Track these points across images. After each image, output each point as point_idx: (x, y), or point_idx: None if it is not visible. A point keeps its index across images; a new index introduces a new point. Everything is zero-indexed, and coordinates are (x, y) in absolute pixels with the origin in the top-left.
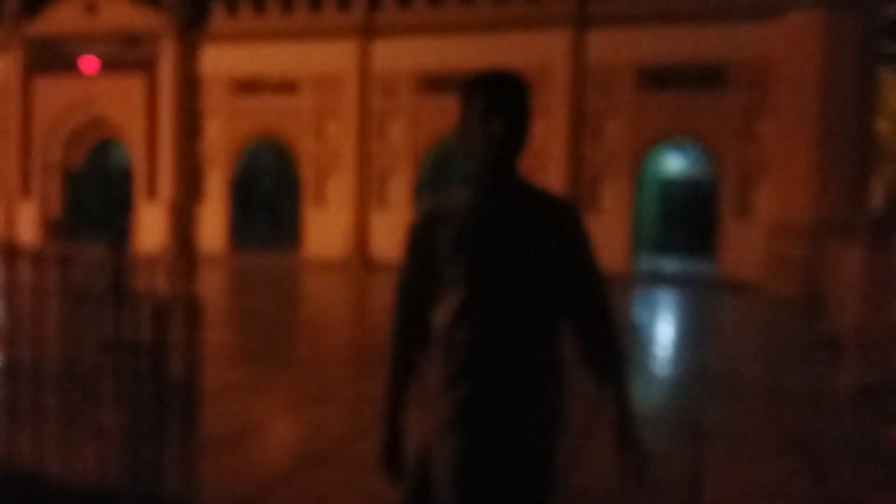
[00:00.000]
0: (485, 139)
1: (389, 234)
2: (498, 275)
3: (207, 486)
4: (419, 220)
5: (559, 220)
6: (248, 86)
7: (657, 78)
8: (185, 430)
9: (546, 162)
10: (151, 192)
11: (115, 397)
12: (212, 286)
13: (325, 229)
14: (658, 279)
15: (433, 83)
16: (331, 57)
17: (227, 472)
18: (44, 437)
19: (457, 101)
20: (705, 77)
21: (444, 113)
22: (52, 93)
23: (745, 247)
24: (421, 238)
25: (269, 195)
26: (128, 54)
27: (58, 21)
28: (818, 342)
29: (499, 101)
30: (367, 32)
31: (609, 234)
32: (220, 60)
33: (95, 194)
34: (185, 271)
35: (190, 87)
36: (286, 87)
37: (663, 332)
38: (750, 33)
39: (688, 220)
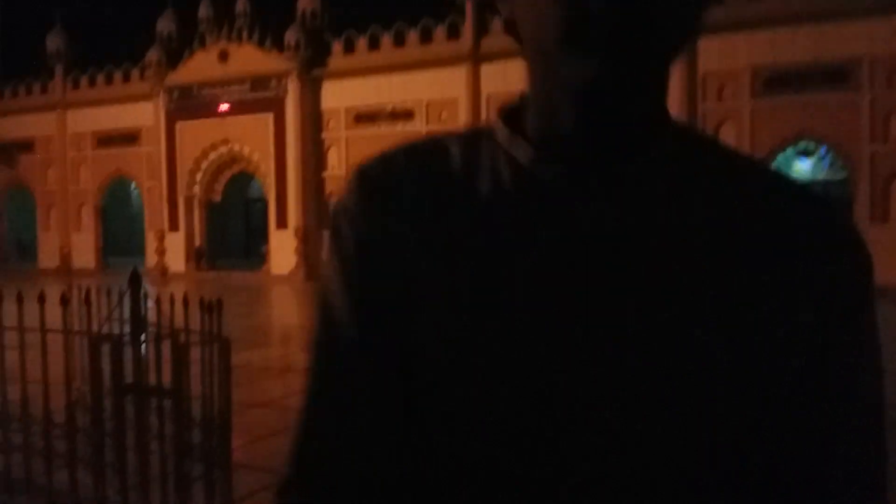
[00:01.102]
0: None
1: None
2: (617, 395)
3: None
4: (364, 202)
5: (803, 255)
6: (364, 116)
7: (777, 81)
8: None
9: None
10: (281, 219)
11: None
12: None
13: None
14: None
15: None
16: (442, 84)
17: None
18: None
19: None
20: (831, 77)
21: None
22: (193, 134)
23: (880, 251)
24: (372, 256)
25: None
26: (257, 95)
27: (195, 69)
28: None
29: None
30: (476, 58)
31: None
32: (339, 94)
33: (234, 224)
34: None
35: (313, 120)
36: (401, 114)
37: None
38: (881, 29)
39: None
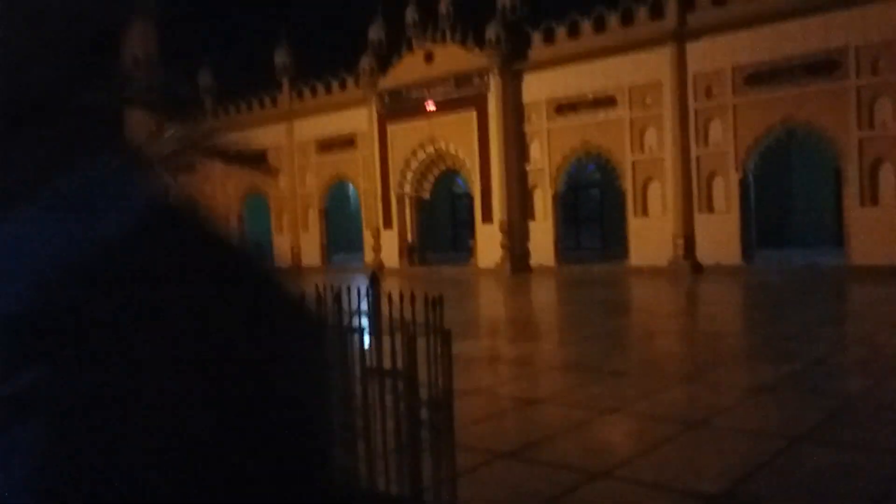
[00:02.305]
0: None
1: (715, 238)
2: None
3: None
4: None
5: None
6: (566, 106)
7: (764, 76)
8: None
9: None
10: (486, 214)
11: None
12: (539, 297)
13: (649, 237)
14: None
15: (753, 77)
16: (645, 66)
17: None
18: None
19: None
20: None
21: (767, 107)
22: (402, 135)
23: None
24: None
25: (596, 208)
26: (461, 93)
27: (403, 72)
28: None
29: None
30: (681, 36)
31: None
32: (539, 86)
33: (442, 219)
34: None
35: (515, 114)
36: (603, 101)
37: None
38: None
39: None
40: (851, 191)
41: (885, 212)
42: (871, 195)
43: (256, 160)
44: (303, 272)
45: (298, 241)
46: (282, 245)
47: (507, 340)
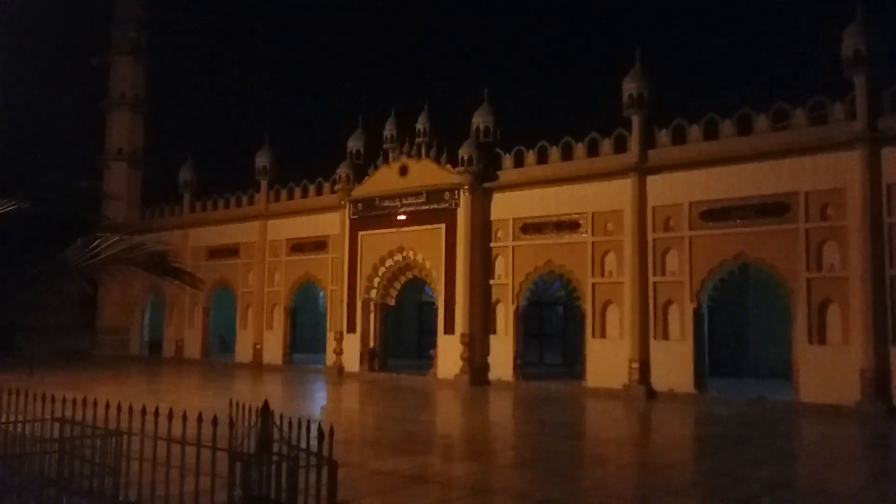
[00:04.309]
0: None
1: (669, 365)
2: None
3: None
4: None
5: None
6: (532, 226)
7: (719, 213)
8: None
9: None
10: (449, 325)
11: None
12: (490, 414)
13: (606, 359)
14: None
15: (708, 213)
16: (608, 195)
17: None
18: None
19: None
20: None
21: (721, 242)
22: (373, 242)
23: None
24: None
25: (560, 325)
26: (431, 207)
27: (378, 182)
28: None
29: None
30: (642, 170)
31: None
32: (507, 205)
33: (408, 326)
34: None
35: (482, 230)
36: (567, 224)
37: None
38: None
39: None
40: (800, 329)
41: (833, 351)
42: (819, 334)
43: (180, 271)
44: (263, 370)
45: (261, 338)
46: (245, 340)
47: (442, 458)
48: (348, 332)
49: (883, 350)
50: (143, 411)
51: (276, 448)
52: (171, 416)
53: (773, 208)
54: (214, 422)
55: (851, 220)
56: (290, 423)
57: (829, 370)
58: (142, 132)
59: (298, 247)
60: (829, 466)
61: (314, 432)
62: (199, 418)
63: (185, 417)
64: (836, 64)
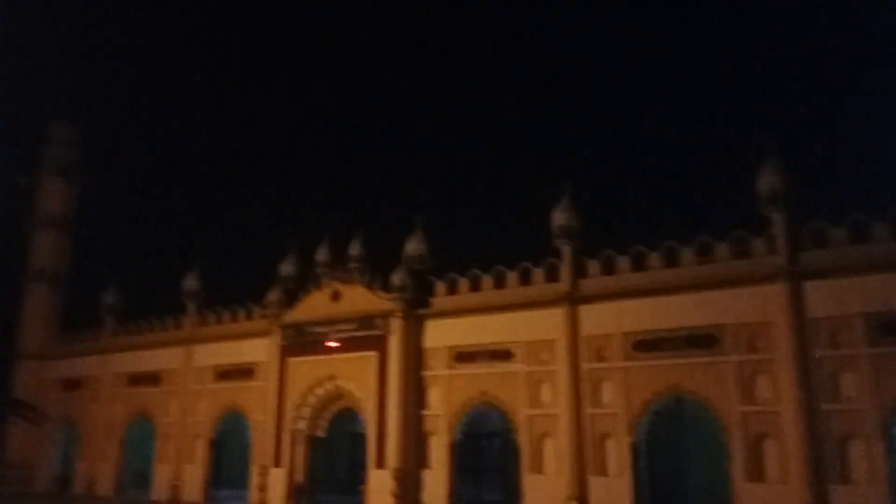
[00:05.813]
0: None
1: (610, 502)
2: None
3: None
4: None
5: None
6: (465, 354)
7: (649, 344)
8: None
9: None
10: (381, 459)
11: None
12: None
13: (544, 496)
14: None
15: (641, 344)
16: (541, 324)
17: None
18: None
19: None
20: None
21: (655, 374)
22: (302, 369)
23: None
24: None
25: (498, 458)
26: (363, 333)
27: (309, 308)
28: None
29: None
30: (574, 300)
31: None
32: (440, 333)
33: (340, 458)
34: None
35: (415, 358)
36: (500, 354)
37: None
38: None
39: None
40: (737, 465)
41: (772, 489)
42: (757, 470)
43: (28, 409)
44: None
45: (181, 473)
46: (163, 475)
47: None
48: (275, 465)
49: (822, 489)
50: None
51: None
52: None
53: (703, 340)
54: None
55: (779, 353)
56: None
57: None
58: (68, 253)
59: (225, 374)
60: None
61: None
62: None
63: None
64: (757, 199)
